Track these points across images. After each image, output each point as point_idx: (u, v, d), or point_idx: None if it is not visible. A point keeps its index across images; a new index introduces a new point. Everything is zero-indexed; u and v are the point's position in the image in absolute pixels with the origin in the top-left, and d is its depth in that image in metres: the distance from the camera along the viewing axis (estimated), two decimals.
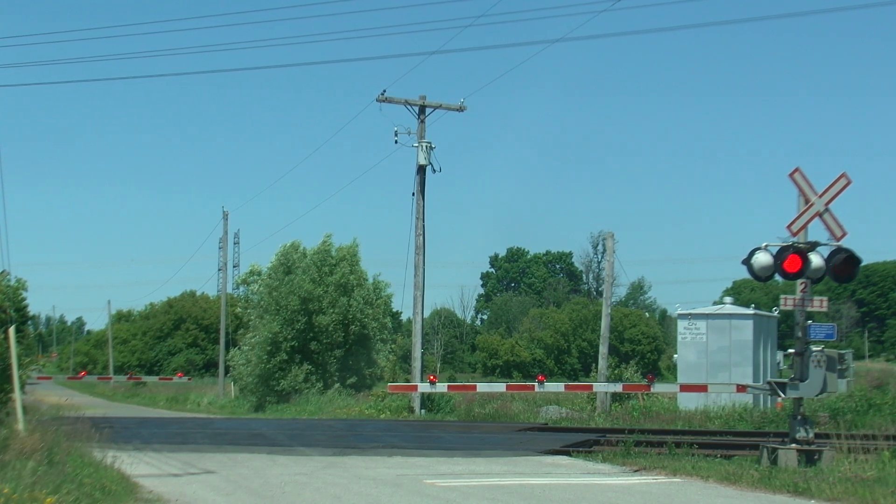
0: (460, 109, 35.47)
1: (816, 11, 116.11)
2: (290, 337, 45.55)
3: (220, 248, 63.96)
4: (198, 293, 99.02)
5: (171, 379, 61.53)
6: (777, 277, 17.43)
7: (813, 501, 13.56)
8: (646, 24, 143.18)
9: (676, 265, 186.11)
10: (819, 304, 18.07)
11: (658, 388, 28.59)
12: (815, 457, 16.77)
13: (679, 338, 33.03)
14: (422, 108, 35.00)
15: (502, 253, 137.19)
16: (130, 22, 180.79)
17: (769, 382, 18.74)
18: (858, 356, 79.57)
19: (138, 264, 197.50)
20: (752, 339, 32.03)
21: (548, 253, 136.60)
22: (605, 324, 35.25)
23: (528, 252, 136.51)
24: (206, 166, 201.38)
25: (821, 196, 17.31)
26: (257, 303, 48.29)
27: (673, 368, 42.39)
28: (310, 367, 45.36)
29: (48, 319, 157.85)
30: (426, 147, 34.36)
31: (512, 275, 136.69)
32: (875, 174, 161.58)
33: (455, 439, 22.74)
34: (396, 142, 34.36)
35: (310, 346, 45.77)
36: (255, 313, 48.26)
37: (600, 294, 61.74)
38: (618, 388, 29.61)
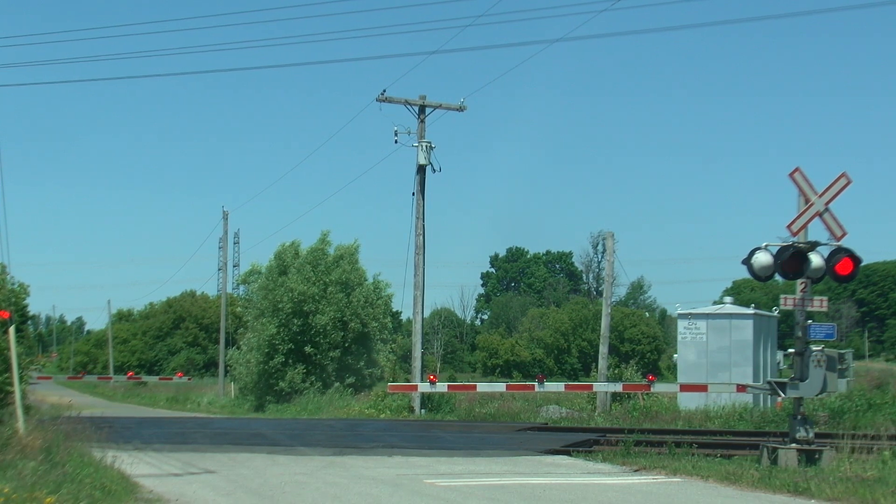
0: (460, 109, 35.48)
1: (816, 11, 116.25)
2: (286, 339, 45.46)
3: (220, 248, 64.08)
4: (198, 293, 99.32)
5: (171, 379, 61.48)
6: (777, 277, 17.42)
7: (813, 501, 13.55)
8: (646, 24, 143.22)
9: (676, 265, 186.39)
10: (819, 303, 18.07)
11: (658, 387, 28.52)
12: (816, 457, 16.77)
13: (679, 338, 33.00)
14: (422, 108, 35.00)
15: (502, 253, 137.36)
16: (130, 22, 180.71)
17: (769, 382, 18.74)
18: (858, 356, 79.53)
19: (138, 264, 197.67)
20: (752, 339, 31.99)
21: (548, 253, 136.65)
22: (605, 323, 35.27)
23: (528, 252, 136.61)
24: (206, 166, 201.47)
25: (821, 196, 17.29)
26: (256, 304, 48.21)
27: (673, 368, 42.36)
28: (306, 368, 45.25)
29: (48, 319, 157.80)
30: (426, 147, 34.36)
31: (512, 275, 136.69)
32: (875, 174, 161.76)
33: (455, 439, 22.75)
34: (396, 142, 34.44)
35: (305, 350, 45.63)
36: (252, 314, 48.19)
37: (600, 294, 61.76)
38: (618, 387, 29.57)
